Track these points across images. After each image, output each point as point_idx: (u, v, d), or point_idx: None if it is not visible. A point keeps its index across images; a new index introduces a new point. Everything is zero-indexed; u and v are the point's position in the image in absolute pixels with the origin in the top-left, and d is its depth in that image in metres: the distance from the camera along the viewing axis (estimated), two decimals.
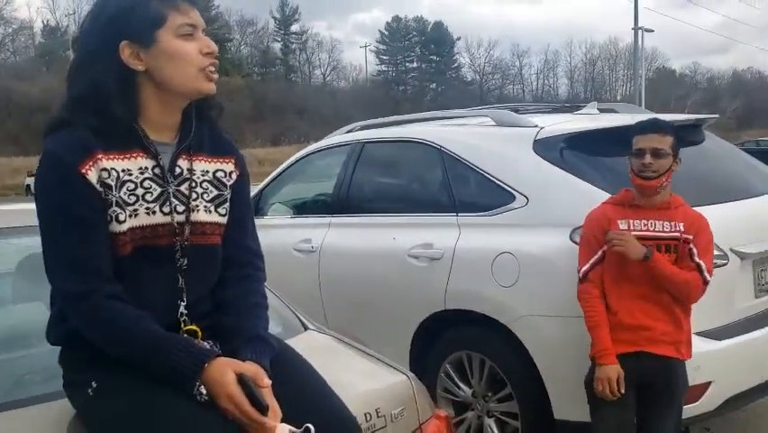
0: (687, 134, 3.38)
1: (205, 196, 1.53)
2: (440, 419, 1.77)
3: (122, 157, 1.44)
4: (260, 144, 43.41)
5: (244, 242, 1.62)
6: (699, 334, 2.62)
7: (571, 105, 4.19)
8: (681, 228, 2.51)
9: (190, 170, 1.52)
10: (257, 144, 43.12)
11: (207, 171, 1.55)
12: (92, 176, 1.39)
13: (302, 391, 1.46)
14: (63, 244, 1.40)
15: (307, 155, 4.38)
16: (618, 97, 65.18)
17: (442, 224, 3.32)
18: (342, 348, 2.01)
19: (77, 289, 1.39)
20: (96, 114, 1.42)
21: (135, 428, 1.35)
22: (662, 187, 2.53)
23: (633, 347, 2.49)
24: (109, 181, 1.41)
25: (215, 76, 1.50)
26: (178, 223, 1.47)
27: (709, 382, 2.69)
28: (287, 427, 1.33)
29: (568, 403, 2.84)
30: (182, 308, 1.48)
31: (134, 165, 1.45)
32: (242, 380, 1.33)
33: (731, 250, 2.82)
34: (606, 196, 2.78)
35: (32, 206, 1.48)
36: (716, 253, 2.71)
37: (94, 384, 1.41)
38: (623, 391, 2.45)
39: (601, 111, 3.88)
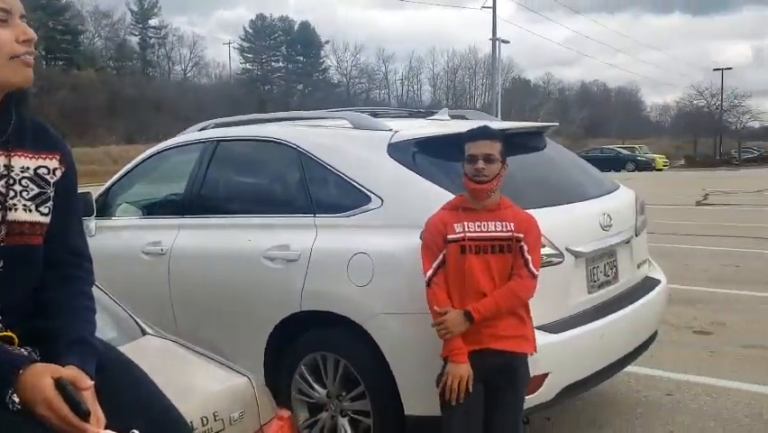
0: (530, 141, 3.60)
1: (24, 194, 1.43)
2: (282, 420, 1.76)
3: None
4: (115, 141, 41.28)
5: (68, 242, 1.53)
6: (537, 328, 2.77)
7: (426, 110, 4.32)
8: (512, 228, 2.65)
9: (8, 167, 1.42)
10: (111, 141, 40.97)
11: (28, 168, 1.45)
12: None
13: (129, 395, 1.40)
14: None
15: (158, 153, 4.21)
16: (478, 105, 67.98)
17: (299, 225, 3.31)
18: (181, 352, 1.95)
19: None
20: None
21: None
22: (493, 190, 2.67)
23: (478, 345, 2.60)
24: None
25: (32, 63, 1.41)
26: None
27: (547, 373, 2.85)
28: None
29: (417, 398, 2.92)
30: None
31: None
32: (60, 385, 1.26)
33: (566, 249, 3.01)
34: (452, 197, 2.88)
35: None
36: (552, 251, 2.90)
37: None
38: (470, 390, 2.55)
39: (452, 117, 4.03)
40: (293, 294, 3.18)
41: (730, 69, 56.32)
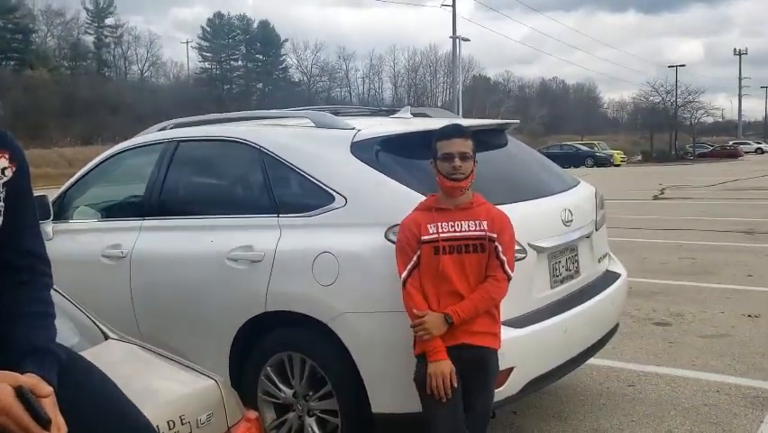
0: (491, 138, 3.63)
1: None
2: (250, 421, 1.75)
3: None
4: (70, 143, 40.37)
5: (22, 245, 1.48)
6: (501, 323, 2.80)
7: (389, 108, 4.33)
8: (485, 226, 2.67)
9: None
10: (66, 143, 40.06)
11: None
12: None
13: (93, 402, 1.37)
14: None
15: (116, 154, 4.13)
16: (439, 103, 68.47)
17: (262, 225, 3.28)
18: (146, 356, 1.92)
19: None
20: None
21: None
22: (468, 187, 2.69)
23: (454, 341, 2.62)
24: None
25: None
26: None
27: (512, 368, 2.89)
28: None
29: (384, 396, 2.93)
30: None
31: None
32: (20, 392, 1.22)
33: (529, 244, 3.05)
34: (417, 195, 2.89)
35: None
36: (515, 247, 2.93)
37: None
38: (455, 385, 2.57)
39: (414, 115, 4.05)
40: (258, 295, 3.16)
41: (683, 65, 57.90)
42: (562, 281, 3.33)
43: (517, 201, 3.14)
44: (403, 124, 3.59)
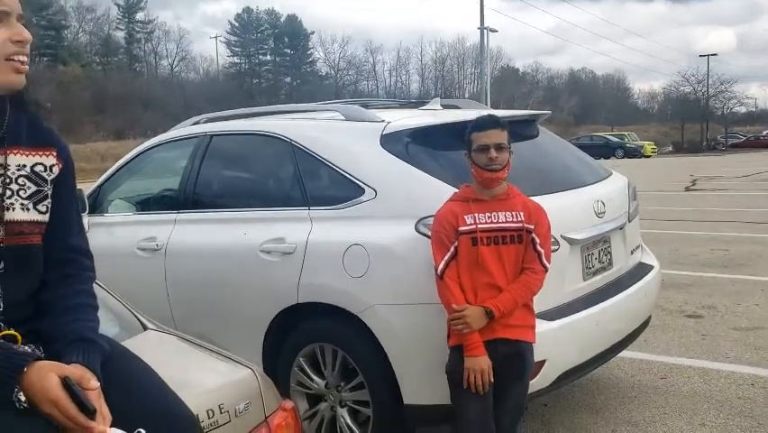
0: (522, 129, 3.61)
1: (21, 192, 1.42)
2: (286, 411, 1.77)
3: None
4: (102, 138, 40.96)
5: (68, 240, 1.51)
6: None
7: (418, 101, 4.32)
8: (522, 218, 2.67)
9: (3, 165, 1.40)
10: (98, 138, 40.65)
11: (24, 166, 1.44)
12: None
13: (136, 392, 1.39)
14: None
15: (150, 148, 4.19)
16: (467, 95, 68.01)
17: (293, 218, 3.31)
18: (184, 346, 1.95)
19: None
20: None
21: None
22: (505, 178, 2.69)
23: (491, 334, 2.61)
24: None
25: (25, 68, 1.39)
26: None
27: (544, 361, 2.88)
28: (117, 431, 1.27)
29: (417, 388, 2.94)
30: None
31: None
32: (66, 383, 1.25)
33: (561, 236, 3.03)
34: (447, 187, 2.90)
35: None
36: None
37: None
38: (492, 381, 2.57)
39: (444, 107, 4.04)
40: (290, 287, 3.19)
41: (715, 54, 56.62)
42: (594, 273, 3.31)
43: (550, 193, 3.12)
44: (433, 115, 3.59)
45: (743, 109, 62.99)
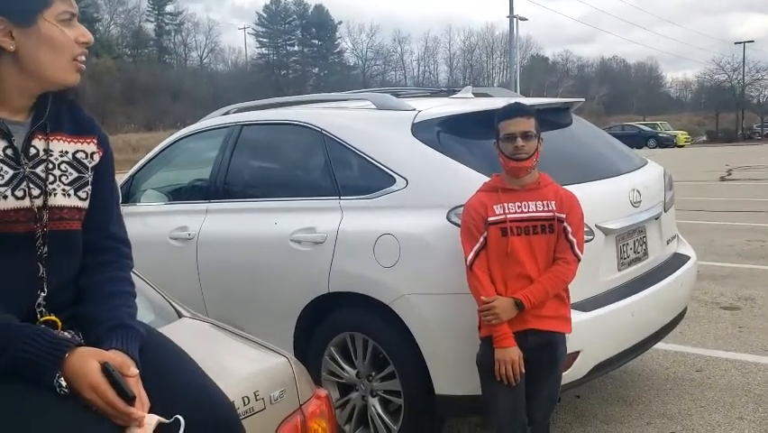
0: (556, 117, 3.56)
1: (63, 178, 1.43)
2: (320, 399, 1.77)
3: None
4: (134, 129, 41.45)
5: (107, 227, 1.53)
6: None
7: (449, 89, 4.29)
8: (553, 207, 2.62)
9: (47, 151, 1.42)
10: (129, 129, 41.14)
11: (66, 152, 1.45)
12: None
13: (173, 378, 1.40)
14: None
15: (181, 138, 4.22)
16: (495, 84, 67.40)
17: (324, 207, 3.30)
18: (218, 334, 1.96)
19: None
20: None
21: None
22: (533, 167, 2.65)
23: (521, 326, 2.58)
24: None
25: (84, 66, 1.43)
26: (37, 208, 1.37)
27: (578, 352, 2.84)
28: (155, 417, 1.27)
29: (448, 378, 2.92)
30: (40, 299, 1.39)
31: None
32: (106, 369, 1.26)
33: (596, 226, 2.98)
34: (480, 176, 2.86)
35: None
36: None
37: None
38: (523, 371, 2.55)
39: (476, 95, 4.00)
40: (321, 276, 3.19)
41: (752, 41, 55.30)
42: (629, 264, 3.25)
43: (584, 181, 3.07)
44: (464, 104, 3.55)
45: None
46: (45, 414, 1.24)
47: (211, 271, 3.68)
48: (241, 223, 3.62)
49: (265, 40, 78.00)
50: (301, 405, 1.69)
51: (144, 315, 1.54)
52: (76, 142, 1.47)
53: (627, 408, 3.69)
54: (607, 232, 3.06)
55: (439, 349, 2.93)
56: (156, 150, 4.33)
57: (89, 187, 1.47)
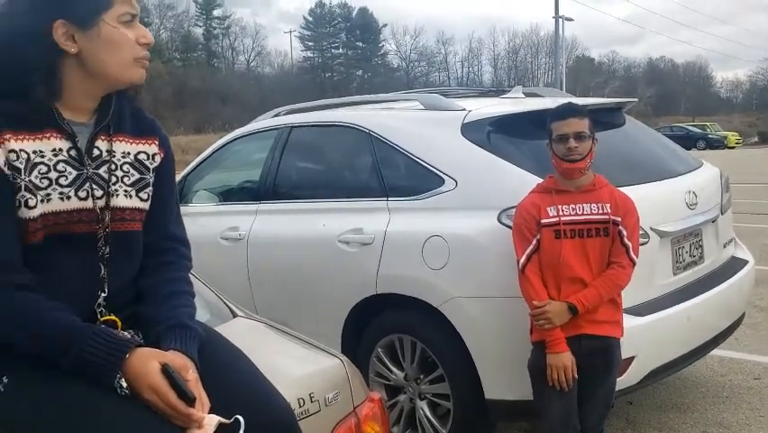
0: (609, 117, 3.49)
1: (125, 179, 1.45)
2: (374, 402, 1.76)
3: (33, 137, 1.34)
4: (183, 132, 42.20)
5: (167, 228, 1.54)
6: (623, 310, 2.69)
7: (498, 89, 4.25)
8: (608, 209, 2.56)
9: (110, 152, 1.43)
10: (179, 132, 41.89)
11: (129, 153, 1.47)
12: None
13: (232, 379, 1.40)
14: None
15: (232, 140, 4.27)
16: (540, 85, 66.61)
17: (372, 209, 3.30)
18: (273, 334, 1.97)
19: None
20: (10, 92, 1.32)
21: (52, 426, 1.26)
22: (587, 168, 2.59)
23: (575, 330, 2.53)
24: (17, 164, 1.31)
25: (147, 65, 1.44)
26: (99, 209, 1.39)
27: (633, 357, 2.77)
28: (215, 417, 1.27)
29: (499, 383, 2.89)
30: (101, 299, 1.40)
31: (47, 146, 1.35)
32: (166, 371, 1.26)
33: (651, 229, 2.91)
34: (532, 177, 2.82)
35: None
36: None
37: (5, 380, 1.31)
38: (576, 377, 2.50)
39: (526, 95, 3.95)
40: (368, 277, 3.19)
41: None
42: (685, 268, 3.16)
43: (639, 183, 3.00)
44: (515, 104, 3.51)
45: None
46: (106, 415, 1.25)
47: (260, 270, 3.71)
48: (289, 223, 3.65)
49: (310, 43, 78.62)
50: (355, 408, 1.68)
51: (200, 314, 1.54)
52: (138, 144, 1.49)
53: (681, 415, 3.59)
54: (662, 235, 2.98)
55: (489, 353, 2.89)
56: (208, 151, 4.40)
57: (150, 188, 1.49)
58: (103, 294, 1.41)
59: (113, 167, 1.43)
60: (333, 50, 79.86)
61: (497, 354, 2.88)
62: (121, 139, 1.46)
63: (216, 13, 71.11)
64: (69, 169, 1.37)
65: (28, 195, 1.32)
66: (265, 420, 1.33)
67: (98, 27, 1.37)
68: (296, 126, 3.90)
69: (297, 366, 1.75)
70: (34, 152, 1.34)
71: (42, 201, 1.33)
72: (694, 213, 3.19)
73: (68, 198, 1.36)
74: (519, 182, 2.84)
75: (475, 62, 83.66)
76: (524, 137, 3.16)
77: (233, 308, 2.07)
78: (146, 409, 1.26)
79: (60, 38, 1.35)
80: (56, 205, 1.35)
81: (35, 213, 1.32)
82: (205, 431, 1.25)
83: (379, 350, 3.25)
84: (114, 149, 1.44)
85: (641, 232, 2.77)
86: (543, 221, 2.57)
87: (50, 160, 1.35)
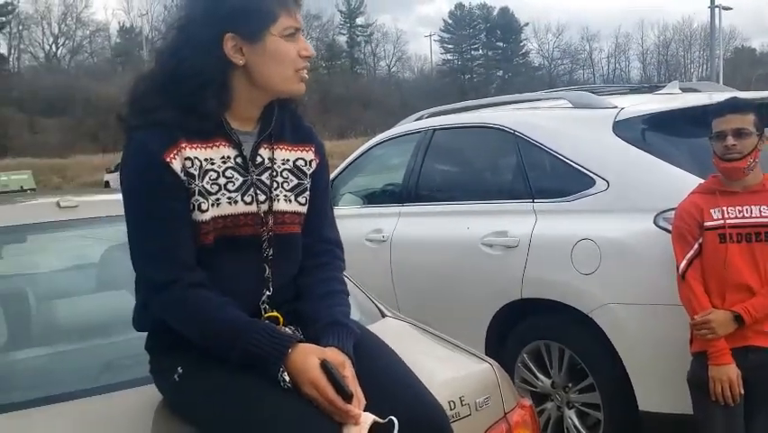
0: None
1: (285, 185, 1.52)
2: (524, 409, 1.72)
3: (204, 146, 1.44)
4: (328, 137, 43.76)
5: (323, 231, 1.61)
6: None
7: (651, 85, 4.03)
8: None
9: (271, 159, 1.51)
10: (324, 137, 43.34)
11: (288, 160, 1.54)
12: (176, 165, 1.40)
13: (385, 377, 1.42)
14: (147, 233, 1.41)
15: (377, 144, 4.36)
16: (694, 79, 62.58)
17: (517, 211, 3.24)
18: (421, 335, 1.98)
19: (159, 277, 1.40)
20: (185, 103, 1.42)
21: (221, 414, 1.34)
22: (750, 168, 2.40)
23: (741, 342, 2.36)
24: (192, 170, 1.41)
25: (306, 77, 1.51)
26: (263, 213, 1.47)
27: None
28: (371, 416, 1.29)
29: (654, 394, 2.74)
30: (265, 297, 1.48)
31: (217, 154, 1.45)
32: (325, 366, 1.30)
33: None
34: (692, 178, 2.66)
35: (115, 196, 1.50)
36: None
37: (180, 370, 1.42)
38: (742, 392, 2.33)
39: (683, 90, 3.71)
40: (513, 281, 3.13)
41: None
42: None
43: None
44: (671, 100, 3.31)
45: None
46: (270, 406, 1.31)
47: (403, 272, 3.75)
48: (432, 225, 3.66)
49: (450, 46, 78.79)
50: (506, 413, 1.65)
51: (352, 313, 1.58)
52: (296, 150, 1.56)
53: None
54: None
55: (644, 363, 2.75)
56: (354, 155, 4.52)
57: (308, 192, 1.55)
58: (267, 292, 1.49)
59: (274, 173, 1.51)
60: (472, 52, 79.55)
61: (652, 363, 2.73)
62: (281, 147, 1.54)
63: (359, 20, 73.15)
64: (236, 175, 1.46)
65: (201, 199, 1.42)
66: (419, 419, 1.34)
67: (264, 41, 1.44)
68: (439, 129, 3.91)
69: (446, 368, 1.75)
70: (206, 159, 1.43)
71: (213, 205, 1.43)
72: None
73: (236, 202, 1.45)
74: (677, 182, 2.68)
75: (622, 58, 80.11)
76: (682, 135, 2.98)
77: (382, 309, 2.11)
78: (306, 402, 1.31)
79: (230, 50, 1.43)
80: (225, 209, 1.44)
81: (207, 216, 1.42)
82: (361, 428, 1.27)
83: (525, 356, 3.18)
84: (275, 156, 1.52)
85: None
86: (706, 224, 2.40)
87: (219, 167, 1.44)
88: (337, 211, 4.41)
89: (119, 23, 67.13)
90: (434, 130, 3.92)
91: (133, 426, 1.48)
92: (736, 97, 2.59)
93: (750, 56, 73.53)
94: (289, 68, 1.46)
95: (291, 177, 1.53)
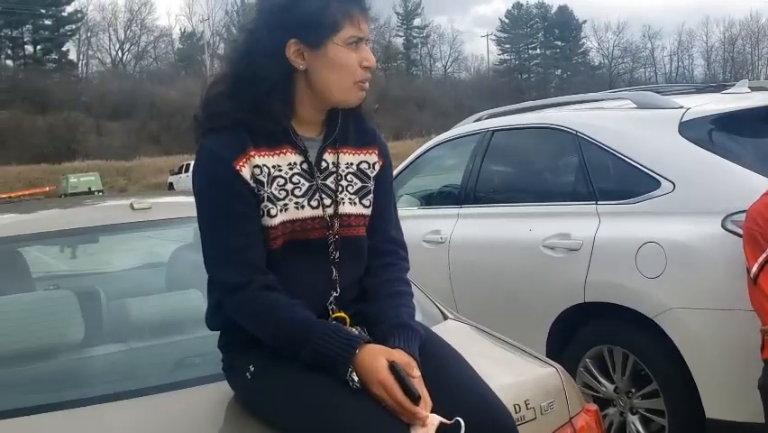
0: None
1: (349, 188, 1.54)
2: (590, 414, 1.69)
3: (272, 153, 1.47)
4: (384, 138, 43.83)
5: (387, 232, 1.62)
6: None
7: (718, 84, 3.92)
8: None
9: (336, 164, 1.54)
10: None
11: (352, 164, 1.57)
12: (245, 172, 1.44)
13: (451, 378, 1.43)
14: (219, 237, 1.45)
15: (435, 146, 4.36)
16: (762, 77, 60.39)
17: (579, 213, 3.19)
18: (483, 338, 1.97)
19: (233, 280, 1.43)
20: (253, 107, 1.46)
21: (291, 412, 1.38)
22: None
23: None
24: (261, 177, 1.45)
25: (367, 86, 1.53)
26: (329, 216, 1.50)
27: None
28: (438, 418, 1.30)
29: (722, 401, 2.67)
30: (332, 298, 1.51)
31: (284, 161, 1.48)
32: (393, 367, 1.32)
33: None
34: (762, 179, 2.59)
35: (185, 198, 1.54)
36: None
37: (251, 368, 1.46)
38: None
39: (752, 89, 3.59)
40: (575, 284, 3.08)
41: None
42: None
43: None
44: (741, 99, 3.21)
45: None
46: (339, 405, 1.33)
47: (462, 273, 3.74)
48: (491, 227, 3.64)
49: (507, 45, 78.08)
50: (571, 418, 1.63)
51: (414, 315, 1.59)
52: (359, 154, 1.58)
53: None
54: None
55: (711, 369, 2.68)
56: (411, 157, 4.53)
57: (372, 195, 1.57)
58: (334, 293, 1.52)
59: (338, 177, 1.54)
60: (530, 51, 78.66)
61: (720, 370, 2.66)
62: (345, 151, 1.56)
63: (416, 22, 73.19)
64: (303, 180, 1.49)
65: (270, 205, 1.46)
66: (485, 421, 1.34)
67: (326, 48, 1.46)
68: (498, 130, 3.88)
69: (510, 372, 1.74)
70: (273, 166, 1.47)
71: (281, 210, 1.46)
72: None
73: (302, 207, 1.48)
74: (747, 184, 2.60)
75: (685, 56, 77.91)
76: (751, 135, 2.91)
77: (444, 311, 2.11)
78: (375, 403, 1.32)
79: (291, 55, 1.46)
80: (292, 214, 1.47)
81: (276, 221, 1.46)
82: (428, 430, 1.28)
83: (588, 360, 3.13)
84: (339, 161, 1.55)
85: None
86: None
87: (286, 173, 1.48)
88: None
89: (181, 28, 68.99)
90: (494, 131, 3.89)
91: (205, 421, 1.53)
92: None
93: None
94: (348, 77, 1.48)
95: (355, 180, 1.56)
